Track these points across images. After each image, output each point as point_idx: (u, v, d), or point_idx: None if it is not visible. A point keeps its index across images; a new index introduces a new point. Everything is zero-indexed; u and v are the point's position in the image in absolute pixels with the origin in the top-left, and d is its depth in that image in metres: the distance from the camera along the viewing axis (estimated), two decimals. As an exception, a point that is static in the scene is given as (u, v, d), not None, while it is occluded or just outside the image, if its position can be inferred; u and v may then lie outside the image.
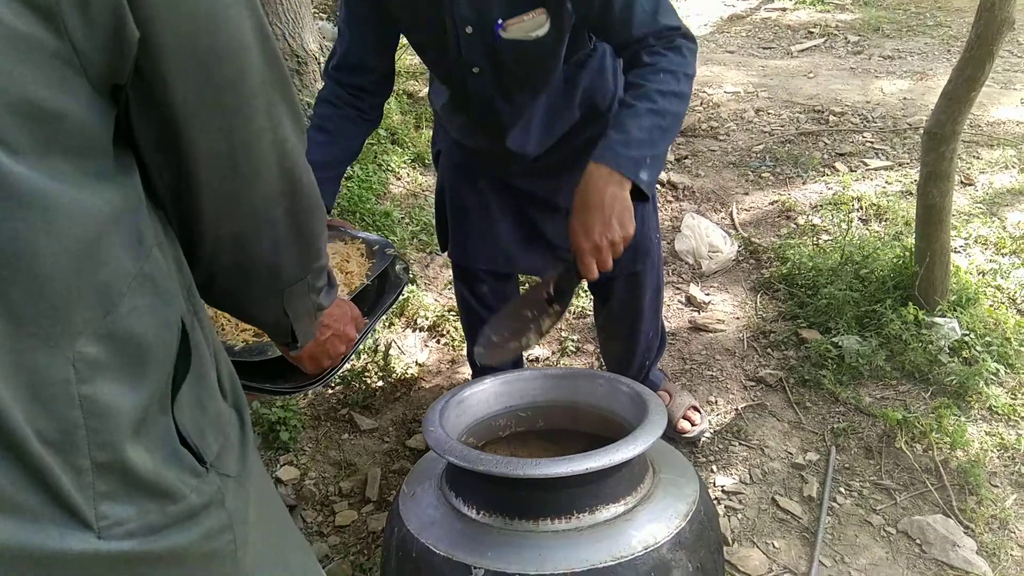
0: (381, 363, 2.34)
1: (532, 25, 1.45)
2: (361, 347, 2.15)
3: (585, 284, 1.92)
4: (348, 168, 2.99)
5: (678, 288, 2.78)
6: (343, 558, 1.81)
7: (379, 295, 1.43)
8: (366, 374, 2.31)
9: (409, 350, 2.45)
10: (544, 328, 1.45)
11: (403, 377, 2.34)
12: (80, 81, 0.56)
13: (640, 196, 1.38)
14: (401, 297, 1.90)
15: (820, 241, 2.88)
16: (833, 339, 2.34)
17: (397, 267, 1.47)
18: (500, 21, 1.44)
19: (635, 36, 1.40)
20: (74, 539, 0.57)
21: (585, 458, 1.28)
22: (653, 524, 1.30)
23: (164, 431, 0.65)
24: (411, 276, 2.68)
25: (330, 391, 2.28)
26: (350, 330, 1.17)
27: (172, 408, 0.66)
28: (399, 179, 3.18)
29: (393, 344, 2.41)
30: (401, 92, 3.85)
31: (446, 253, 1.93)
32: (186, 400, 0.68)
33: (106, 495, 0.59)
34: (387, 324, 2.49)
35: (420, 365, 2.41)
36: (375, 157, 3.18)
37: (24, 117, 0.54)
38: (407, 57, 3.80)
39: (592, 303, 2.13)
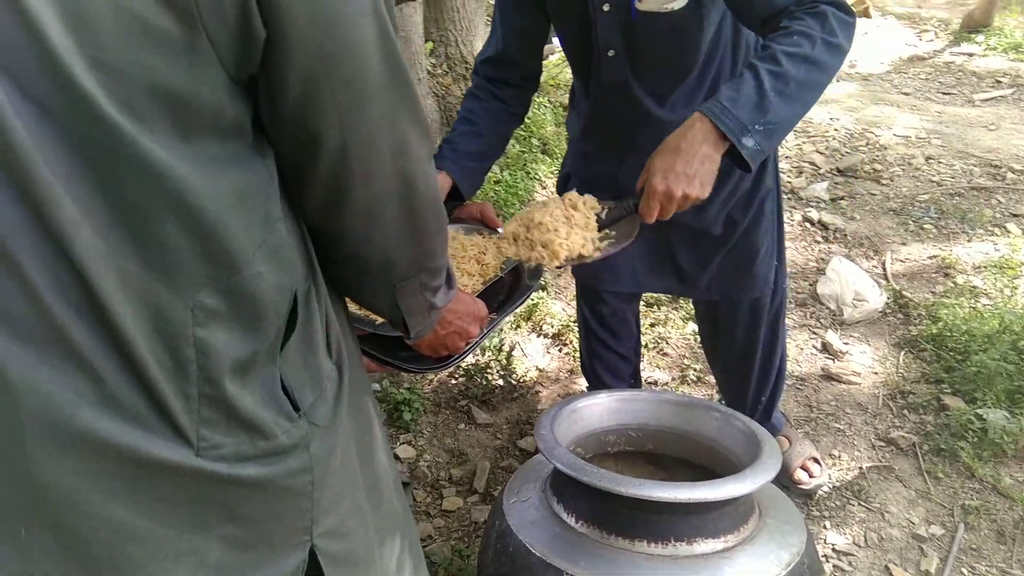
0: (504, 363, 2.41)
1: None
2: (486, 343, 2.22)
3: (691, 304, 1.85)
4: (498, 172, 3.11)
5: (815, 333, 2.69)
6: (444, 540, 1.89)
7: (510, 292, 1.45)
8: (488, 371, 2.39)
9: (532, 354, 2.51)
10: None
11: (523, 379, 2.40)
12: (216, 70, 0.63)
13: (741, 163, 1.28)
14: (528, 301, 1.92)
15: (978, 304, 2.69)
16: (978, 410, 2.18)
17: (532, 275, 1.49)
18: None
19: (779, 5, 1.29)
20: (175, 452, 0.67)
21: (691, 487, 1.28)
22: (752, 566, 1.28)
23: (269, 377, 0.74)
24: (543, 283, 2.74)
25: (453, 381, 2.37)
26: (473, 328, 1.18)
27: (279, 359, 0.74)
28: (544, 188, 3.25)
29: (517, 346, 2.47)
30: (557, 104, 3.92)
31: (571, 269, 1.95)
32: (292, 354, 0.76)
33: (208, 422, 0.68)
34: (514, 326, 2.56)
35: (540, 370, 2.46)
36: (524, 165, 3.27)
37: (162, 102, 0.61)
38: (566, 72, 3.87)
39: (699, 329, 2.06)
